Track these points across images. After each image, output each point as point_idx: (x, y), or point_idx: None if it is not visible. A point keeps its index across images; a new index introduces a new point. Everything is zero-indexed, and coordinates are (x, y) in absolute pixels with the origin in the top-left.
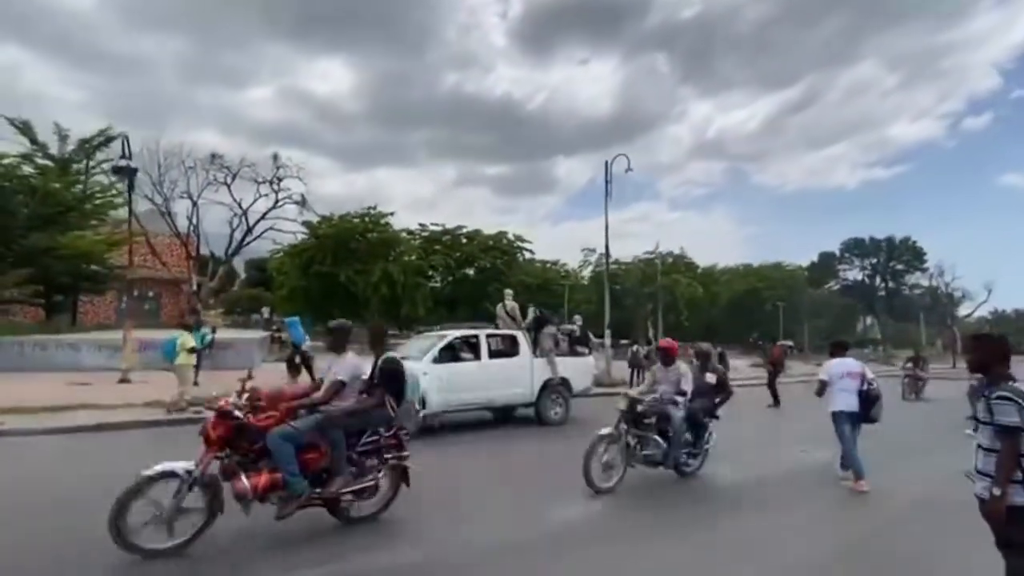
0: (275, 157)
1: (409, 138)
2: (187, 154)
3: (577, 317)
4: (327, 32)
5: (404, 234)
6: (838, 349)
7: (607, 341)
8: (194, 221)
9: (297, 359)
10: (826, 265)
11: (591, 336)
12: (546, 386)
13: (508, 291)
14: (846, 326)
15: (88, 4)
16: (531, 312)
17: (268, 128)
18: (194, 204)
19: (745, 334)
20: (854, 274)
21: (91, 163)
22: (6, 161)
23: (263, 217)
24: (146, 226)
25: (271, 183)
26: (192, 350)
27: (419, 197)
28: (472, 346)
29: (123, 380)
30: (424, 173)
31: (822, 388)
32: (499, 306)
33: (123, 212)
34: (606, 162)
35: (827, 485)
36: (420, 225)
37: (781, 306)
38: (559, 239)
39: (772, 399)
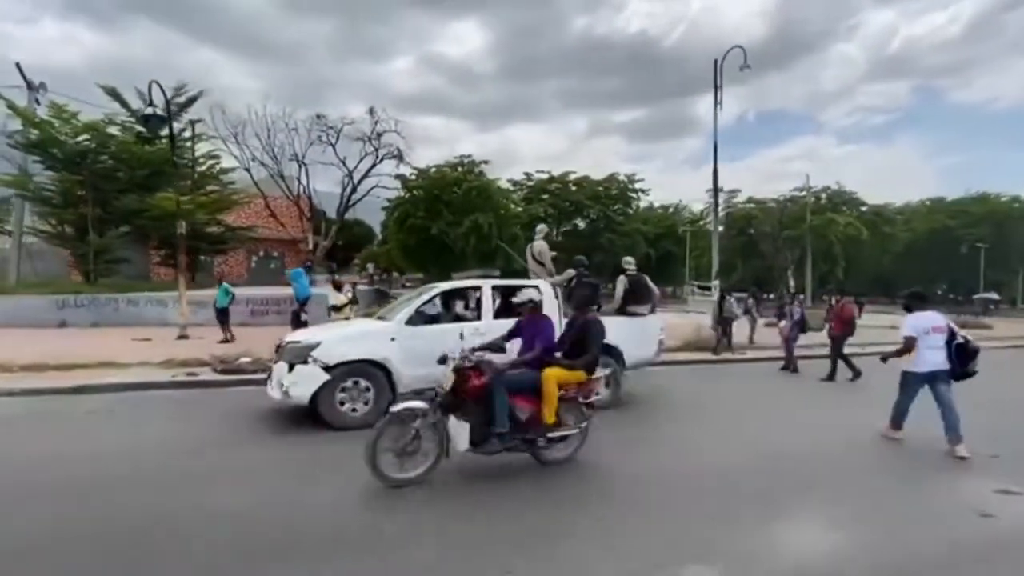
0: (371, 111)
1: (539, 92)
2: (289, 116)
3: (628, 260)
4: None
5: (509, 185)
6: (917, 301)
7: (715, 292)
8: (303, 182)
9: (303, 315)
10: None
11: (653, 287)
12: None
13: (541, 226)
14: None
15: (257, 2)
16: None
17: (409, 97)
18: (300, 165)
19: (929, 286)
20: None
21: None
22: (85, 123)
23: (366, 175)
24: (265, 190)
25: (370, 139)
26: (335, 308)
27: (549, 152)
28: (469, 302)
29: (181, 336)
30: (555, 127)
31: (910, 345)
32: (528, 247)
33: (237, 175)
34: (715, 61)
35: None
36: (525, 174)
37: (982, 248)
38: (702, 183)
39: (830, 369)
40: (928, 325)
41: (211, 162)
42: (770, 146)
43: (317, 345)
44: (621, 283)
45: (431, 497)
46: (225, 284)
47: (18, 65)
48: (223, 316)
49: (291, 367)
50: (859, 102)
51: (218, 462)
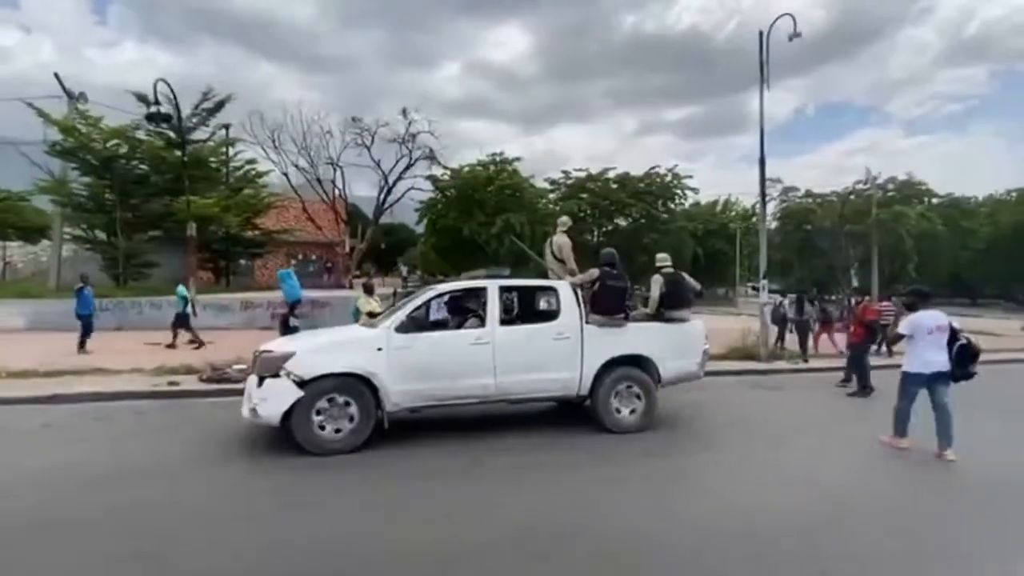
0: (404, 112)
1: (586, 92)
2: (323, 118)
3: (663, 257)
4: None
5: (547, 184)
6: (920, 300)
7: (763, 295)
8: (339, 185)
9: (293, 320)
10: None
11: (695, 284)
12: (610, 367)
13: (563, 219)
14: None
15: (310, 15)
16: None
17: (455, 102)
18: (334, 169)
19: (1019, 285)
20: None
21: (209, 127)
22: (116, 129)
23: (400, 177)
24: (303, 194)
25: (403, 141)
26: (370, 314)
27: (597, 152)
28: (472, 306)
29: (192, 341)
30: (602, 127)
31: (896, 340)
32: (547, 242)
33: (272, 179)
34: (760, 32)
35: None
36: (563, 172)
37: None
38: (757, 180)
39: (844, 374)
40: (931, 324)
41: (248, 166)
42: (832, 140)
43: (291, 356)
44: (656, 283)
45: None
46: (181, 287)
47: (56, 75)
48: (180, 321)
49: (260, 381)
50: (931, 90)
51: (137, 495)
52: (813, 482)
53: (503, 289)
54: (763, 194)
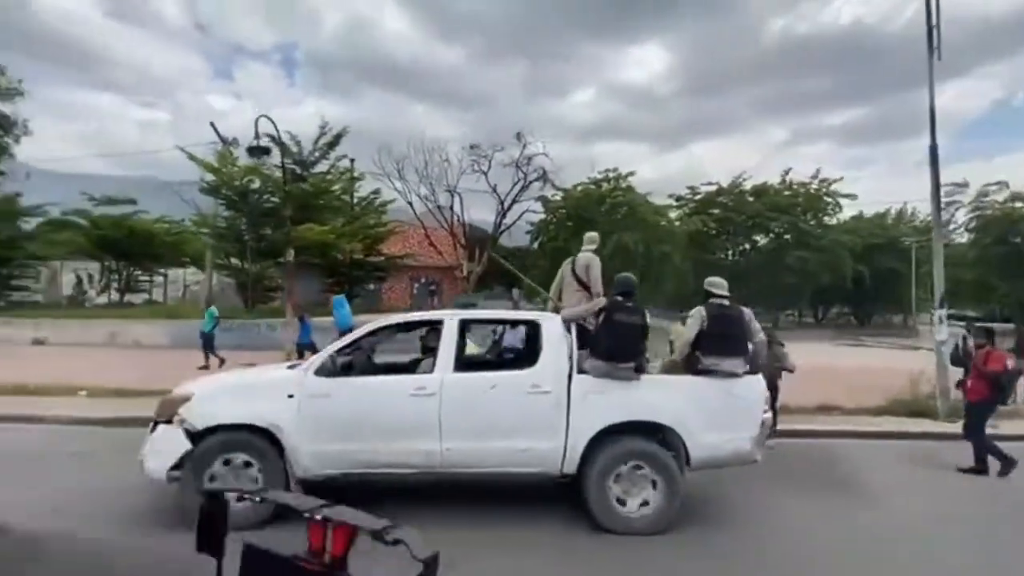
0: (518, 136)
1: (727, 104)
2: (443, 148)
3: (715, 282)
4: (637, 17)
5: (672, 201)
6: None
7: (940, 328)
8: (456, 211)
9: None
10: None
11: (757, 327)
12: (610, 436)
13: (590, 234)
14: None
15: (458, 56)
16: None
17: (589, 126)
18: (452, 195)
19: None
20: None
21: (329, 161)
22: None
23: (515, 200)
24: (425, 220)
25: (518, 165)
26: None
27: (739, 166)
28: (428, 342)
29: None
30: (746, 138)
31: None
32: (566, 263)
33: (396, 207)
34: (927, 3)
35: None
36: (689, 188)
37: None
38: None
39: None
40: None
41: (372, 195)
42: None
43: (189, 398)
44: (695, 318)
45: None
46: (212, 308)
47: (212, 124)
48: (207, 341)
49: (154, 426)
50: None
51: None
52: None
53: (467, 323)
54: (937, 198)
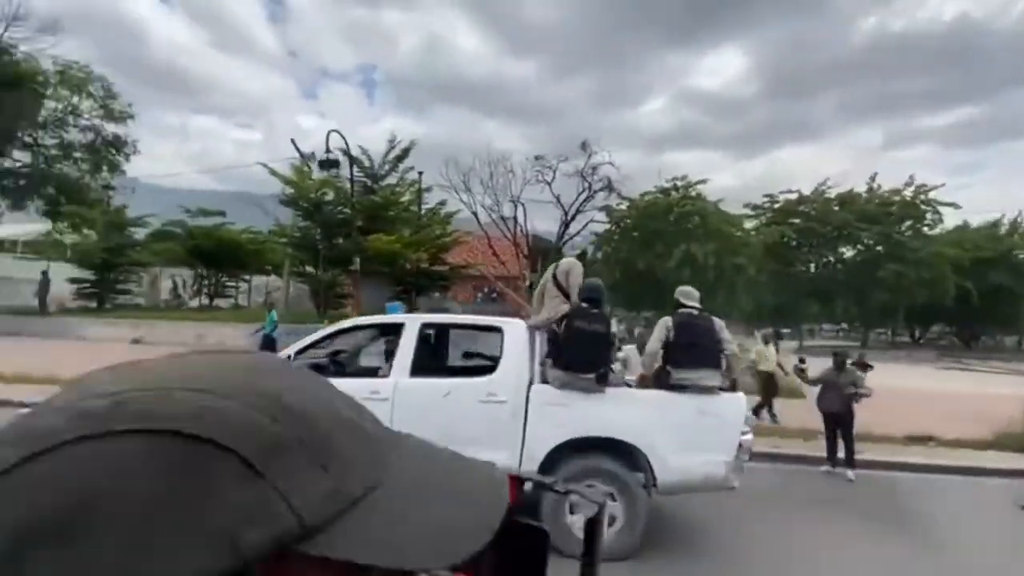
0: (583, 146)
1: (813, 107)
2: (508, 159)
3: (686, 291)
4: (713, 23)
5: (748, 210)
6: None
7: None
8: (520, 221)
9: None
10: None
11: (728, 337)
12: (569, 452)
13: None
14: None
15: (529, 70)
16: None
17: (662, 134)
18: (515, 205)
19: None
20: None
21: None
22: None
23: (579, 210)
24: (489, 231)
25: (583, 174)
26: None
27: (826, 173)
28: (380, 347)
29: None
30: (835, 143)
31: None
32: (549, 268)
33: (462, 217)
34: None
35: None
36: (767, 197)
37: None
38: None
39: None
40: None
41: (437, 206)
42: None
43: None
44: (661, 328)
45: None
46: (272, 312)
47: (293, 141)
48: (268, 343)
49: None
50: None
51: None
52: None
53: (427, 327)
54: None
